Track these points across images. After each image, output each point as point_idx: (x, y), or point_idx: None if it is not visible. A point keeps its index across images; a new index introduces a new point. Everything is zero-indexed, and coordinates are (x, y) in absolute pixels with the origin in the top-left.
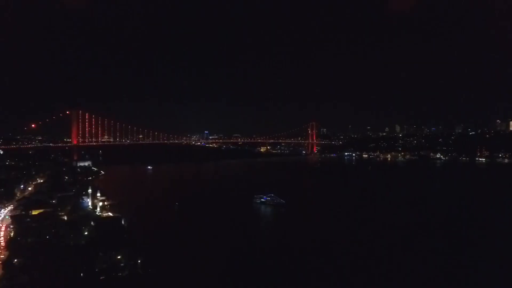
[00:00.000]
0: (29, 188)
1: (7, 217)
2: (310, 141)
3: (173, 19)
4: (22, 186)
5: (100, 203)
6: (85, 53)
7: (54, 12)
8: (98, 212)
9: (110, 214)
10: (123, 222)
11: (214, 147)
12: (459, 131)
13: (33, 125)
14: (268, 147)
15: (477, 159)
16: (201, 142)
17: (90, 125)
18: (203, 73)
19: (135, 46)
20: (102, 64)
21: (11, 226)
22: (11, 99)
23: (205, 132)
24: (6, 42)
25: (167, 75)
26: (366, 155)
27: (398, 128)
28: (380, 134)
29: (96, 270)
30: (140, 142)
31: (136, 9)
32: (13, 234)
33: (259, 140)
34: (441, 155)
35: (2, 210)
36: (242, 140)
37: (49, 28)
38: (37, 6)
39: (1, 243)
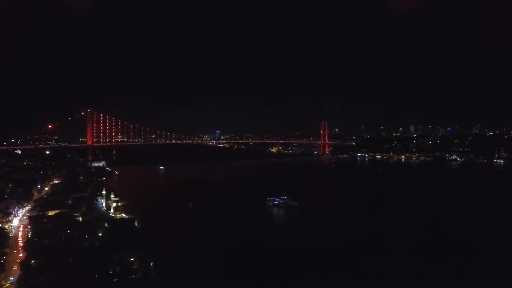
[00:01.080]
0: (46, 188)
1: (25, 217)
2: (322, 141)
3: (182, 20)
4: (39, 186)
5: (114, 204)
6: (96, 55)
7: (60, 14)
8: (112, 213)
9: (124, 215)
10: (136, 223)
11: (225, 147)
12: (476, 131)
13: (49, 126)
14: (280, 148)
15: (495, 160)
16: (212, 142)
17: (105, 126)
18: (215, 74)
19: (146, 48)
20: (114, 66)
21: (29, 227)
22: (29, 100)
23: (217, 132)
24: (20, 44)
25: (179, 76)
26: (379, 156)
27: (412, 128)
28: (394, 134)
29: (110, 272)
30: (153, 142)
31: (145, 9)
32: (31, 235)
33: (271, 141)
34: (457, 156)
35: (20, 210)
36: (254, 140)
37: (58, 30)
38: (42, 7)
39: (20, 244)
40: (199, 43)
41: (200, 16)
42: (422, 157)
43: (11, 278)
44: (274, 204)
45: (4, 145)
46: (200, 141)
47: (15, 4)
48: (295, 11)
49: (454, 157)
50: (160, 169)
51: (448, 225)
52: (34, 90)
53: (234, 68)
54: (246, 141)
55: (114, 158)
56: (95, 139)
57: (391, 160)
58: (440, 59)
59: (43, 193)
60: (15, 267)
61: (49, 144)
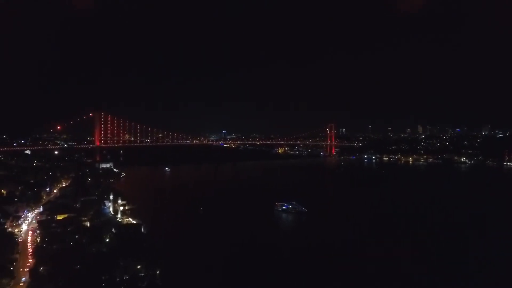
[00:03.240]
0: (55, 191)
1: (34, 221)
2: (329, 142)
3: (182, 19)
4: (48, 189)
5: (121, 208)
6: (96, 55)
7: (60, 13)
8: (119, 218)
9: (131, 219)
10: (143, 229)
11: (231, 147)
12: (485, 132)
13: (58, 127)
14: (286, 148)
15: (505, 163)
16: (218, 142)
17: (112, 127)
18: (221, 74)
19: (146, 48)
20: (113, 66)
21: (38, 231)
22: (39, 101)
23: (223, 131)
24: (20, 45)
25: (186, 76)
26: (387, 158)
27: (420, 129)
28: (402, 135)
29: (117, 280)
30: (160, 143)
31: (144, 9)
32: (39, 240)
33: (277, 141)
34: (466, 158)
35: (30, 213)
36: (260, 141)
37: (57, 30)
38: (42, 7)
39: (29, 249)
40: (207, 44)
41: (200, 16)
42: (430, 159)
43: (23, 278)
44: (283, 209)
45: (14, 146)
46: (206, 141)
47: (15, 4)
48: (296, 11)
49: (463, 159)
50: (166, 170)
51: (454, 230)
52: (37, 90)
53: (235, 69)
54: (253, 141)
55: (121, 158)
56: (103, 139)
57: (399, 162)
58: (445, 58)
59: (51, 196)
60: (26, 269)
61: (57, 145)
